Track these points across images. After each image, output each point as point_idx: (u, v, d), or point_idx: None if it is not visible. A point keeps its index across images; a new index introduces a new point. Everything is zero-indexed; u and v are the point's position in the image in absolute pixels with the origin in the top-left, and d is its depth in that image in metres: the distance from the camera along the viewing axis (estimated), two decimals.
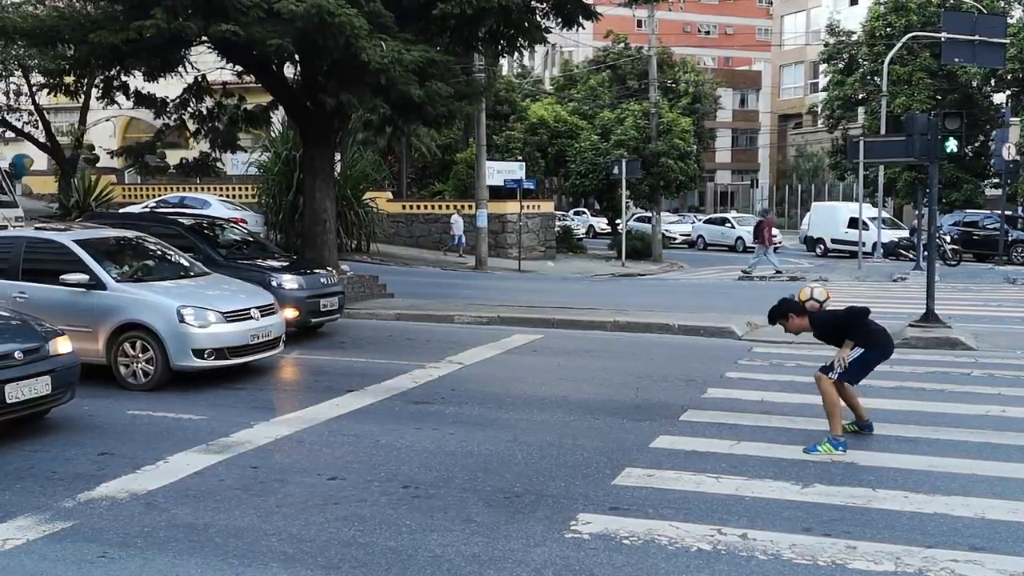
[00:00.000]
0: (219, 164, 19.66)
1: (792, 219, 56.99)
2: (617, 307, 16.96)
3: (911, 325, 14.02)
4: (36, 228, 11.76)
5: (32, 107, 31.02)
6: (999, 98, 41.68)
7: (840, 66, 45.20)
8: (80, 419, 8.53)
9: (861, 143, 22.43)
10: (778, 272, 27.32)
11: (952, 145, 16.78)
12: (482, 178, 29.78)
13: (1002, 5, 39.66)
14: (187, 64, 15.83)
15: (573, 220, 49.59)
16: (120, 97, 16.60)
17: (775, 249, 28.85)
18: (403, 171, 40.62)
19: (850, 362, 7.66)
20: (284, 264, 14.29)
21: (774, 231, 29.83)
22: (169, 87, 16.80)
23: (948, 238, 31.77)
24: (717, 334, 14.05)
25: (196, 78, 16.91)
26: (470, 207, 31.46)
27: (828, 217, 39.65)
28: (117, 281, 10.19)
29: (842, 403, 7.73)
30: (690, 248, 45.45)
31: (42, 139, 31.65)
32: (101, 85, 16.29)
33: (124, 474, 6.86)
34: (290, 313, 12.46)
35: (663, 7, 40.22)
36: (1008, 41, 26.99)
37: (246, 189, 32.42)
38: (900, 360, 11.80)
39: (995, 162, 35.64)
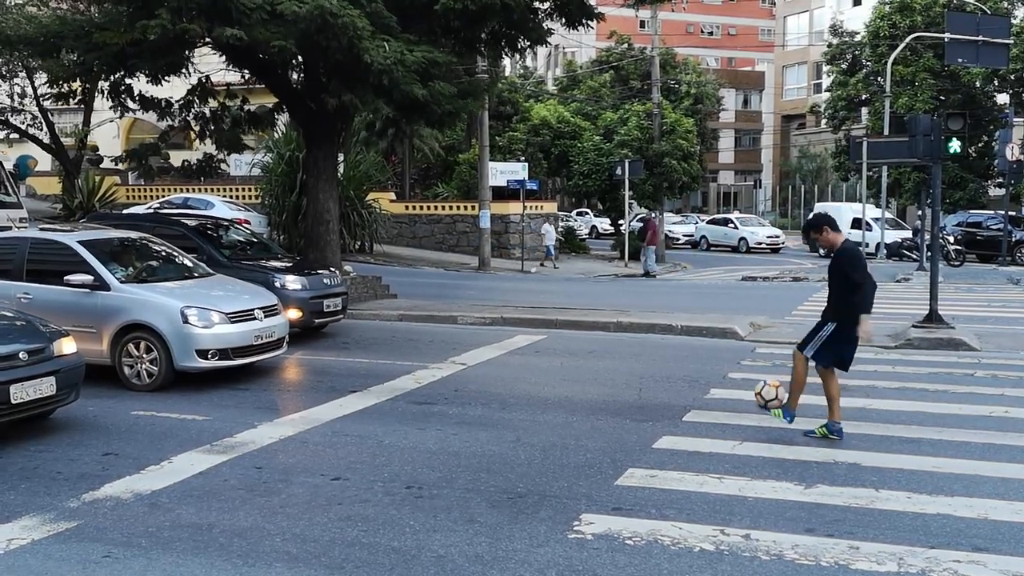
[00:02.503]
0: (224, 165, 19.66)
1: (795, 220, 56.91)
2: (620, 308, 16.97)
3: (914, 326, 14.02)
4: (40, 229, 11.78)
5: (36, 108, 31.09)
6: (1002, 98, 41.66)
7: (843, 67, 45.21)
8: (84, 419, 8.56)
9: (864, 143, 22.48)
10: (646, 274, 28.60)
11: (955, 145, 16.75)
12: (485, 179, 29.79)
13: (1005, 6, 39.63)
14: (191, 66, 15.85)
15: (576, 221, 49.61)
16: (126, 100, 16.64)
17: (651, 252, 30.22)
18: (406, 172, 40.64)
19: (828, 338, 7.78)
20: (287, 265, 14.31)
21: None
22: (173, 89, 16.82)
23: (951, 239, 31.74)
24: (720, 335, 14.05)
25: (200, 79, 16.93)
26: (473, 208, 31.49)
27: None
28: (121, 282, 10.22)
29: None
30: (693, 249, 45.46)
31: (46, 140, 31.72)
32: (107, 90, 16.31)
33: (128, 474, 6.88)
34: (293, 314, 12.49)
35: (666, 8, 40.19)
36: (1011, 41, 27.00)
37: (249, 190, 32.47)
38: (903, 360, 11.86)
39: (998, 162, 35.61)
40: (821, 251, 36.24)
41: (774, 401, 8.10)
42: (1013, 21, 35.71)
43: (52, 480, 6.78)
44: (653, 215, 32.96)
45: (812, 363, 7.96)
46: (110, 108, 17.51)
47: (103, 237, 11.21)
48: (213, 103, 17.92)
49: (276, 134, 26.09)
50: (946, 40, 20.91)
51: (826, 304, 8.04)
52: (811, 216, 8.36)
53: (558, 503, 6.27)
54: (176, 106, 17.55)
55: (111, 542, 5.57)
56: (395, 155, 40.17)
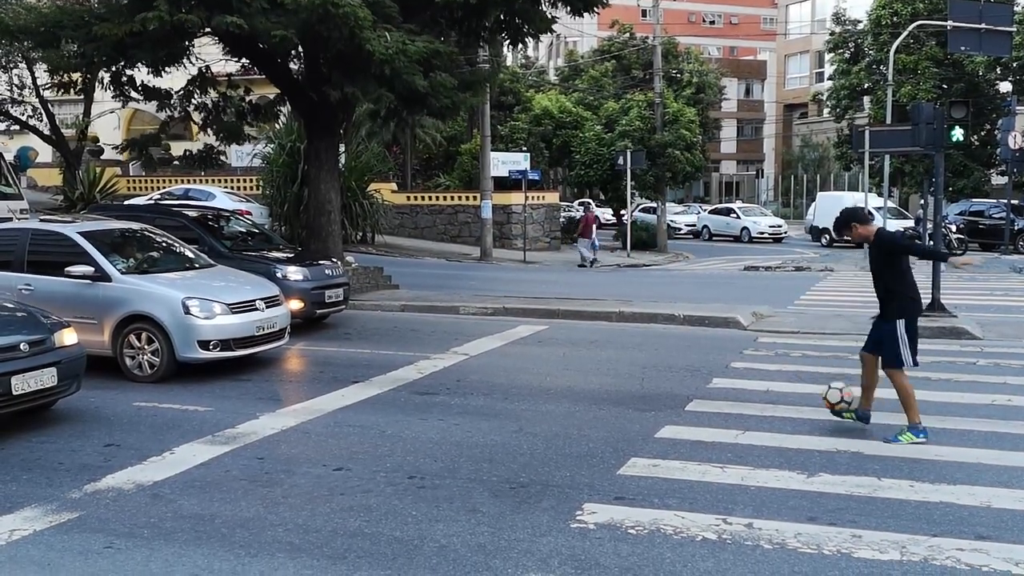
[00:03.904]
0: (223, 156, 19.65)
1: (797, 209, 56.85)
2: (622, 298, 16.95)
3: None
4: (41, 220, 11.77)
5: (36, 99, 31.05)
6: (1005, 86, 41.52)
7: (846, 55, 45.02)
8: (86, 411, 8.56)
9: (867, 132, 22.38)
10: (581, 264, 28.83)
11: (958, 134, 16.73)
12: (487, 169, 29.75)
13: None
14: (191, 57, 15.81)
15: (578, 211, 49.51)
16: (128, 91, 16.60)
17: (591, 243, 30.27)
18: (408, 162, 40.58)
19: (908, 336, 7.61)
20: (289, 256, 14.30)
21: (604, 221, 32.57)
22: (174, 80, 16.78)
23: (953, 228, 31.69)
24: (722, 324, 14.03)
25: (200, 69, 16.89)
26: (475, 198, 31.45)
27: (834, 207, 39.36)
28: (122, 273, 10.21)
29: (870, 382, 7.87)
30: (695, 239, 45.40)
31: (46, 131, 31.70)
32: (108, 80, 16.27)
33: (130, 465, 6.88)
34: (295, 304, 12.47)
35: None
36: (1014, 29, 26.87)
37: (251, 181, 32.44)
38: None
39: (1001, 151, 35.52)
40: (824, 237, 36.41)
41: (840, 404, 7.89)
42: (1016, 8, 35.53)
43: (54, 471, 6.78)
44: (590, 208, 32.58)
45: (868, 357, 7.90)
46: (112, 97, 17.45)
47: (104, 228, 11.20)
48: (214, 93, 17.88)
49: (277, 125, 26.08)
50: (949, 28, 20.82)
51: (880, 304, 7.85)
52: (839, 214, 8.32)
53: (560, 493, 6.26)
54: (176, 97, 17.51)
55: (113, 533, 5.57)
56: (397, 145, 40.11)
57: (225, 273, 11.40)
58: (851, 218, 8.09)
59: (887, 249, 7.83)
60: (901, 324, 7.63)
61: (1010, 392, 9.28)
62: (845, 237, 8.49)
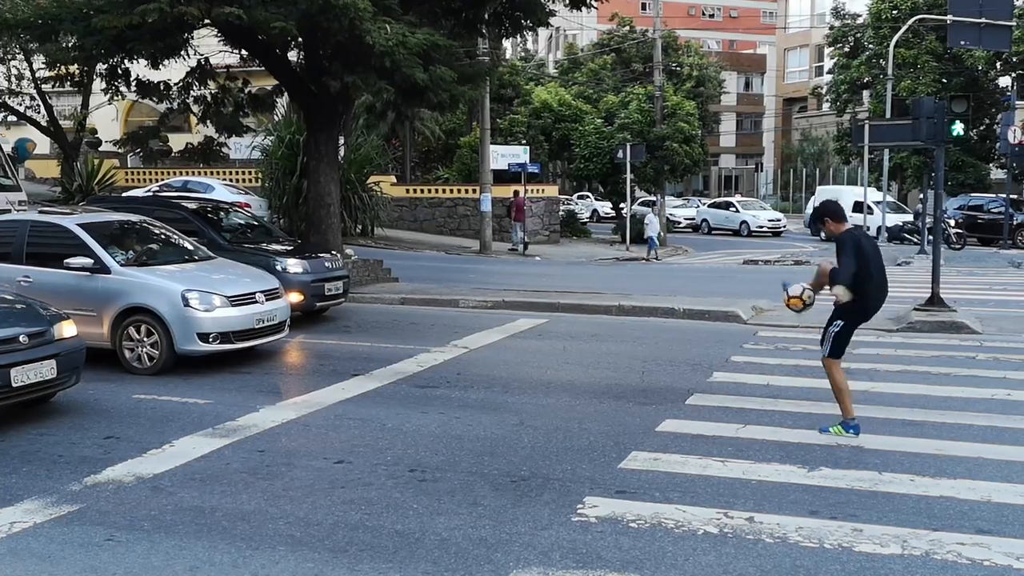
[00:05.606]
0: (225, 148, 19.60)
1: (796, 204, 56.83)
2: (622, 291, 16.94)
3: (916, 309, 14.00)
4: (40, 212, 11.75)
5: (34, 91, 30.98)
6: (1005, 81, 41.50)
7: (845, 49, 45.04)
8: (86, 403, 8.54)
9: (867, 127, 22.37)
10: (512, 249, 29.43)
11: (959, 128, 16.70)
12: (486, 162, 29.71)
13: None
14: (190, 49, 15.75)
15: (577, 204, 49.50)
16: (120, 85, 16.53)
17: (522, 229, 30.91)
18: (407, 155, 40.53)
19: (836, 335, 7.45)
20: (288, 248, 14.26)
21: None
22: (173, 72, 16.72)
23: (953, 222, 31.69)
24: (722, 318, 14.03)
25: (199, 61, 16.83)
26: (474, 191, 31.42)
27: None
28: (121, 265, 10.19)
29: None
30: (694, 232, 45.39)
31: (44, 123, 31.63)
32: (105, 74, 16.18)
33: (130, 458, 6.87)
34: (295, 297, 12.46)
35: None
36: (1014, 23, 26.84)
37: (250, 173, 32.37)
38: (905, 344, 11.84)
39: (1000, 145, 35.52)
40: (822, 235, 36.41)
41: (795, 300, 7.65)
42: (1016, 2, 35.49)
43: (53, 463, 6.77)
44: (520, 194, 32.32)
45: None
46: (103, 91, 17.35)
47: (103, 220, 11.16)
48: (213, 85, 17.82)
49: (276, 117, 26.01)
50: (949, 22, 20.82)
51: None
52: (816, 207, 8.04)
53: (562, 486, 6.26)
54: (175, 89, 17.45)
55: (113, 525, 5.56)
56: (396, 138, 40.04)
57: (225, 266, 11.38)
58: (826, 212, 7.57)
59: (837, 251, 7.38)
60: (839, 324, 7.43)
61: (1009, 386, 9.28)
62: (821, 233, 8.23)
